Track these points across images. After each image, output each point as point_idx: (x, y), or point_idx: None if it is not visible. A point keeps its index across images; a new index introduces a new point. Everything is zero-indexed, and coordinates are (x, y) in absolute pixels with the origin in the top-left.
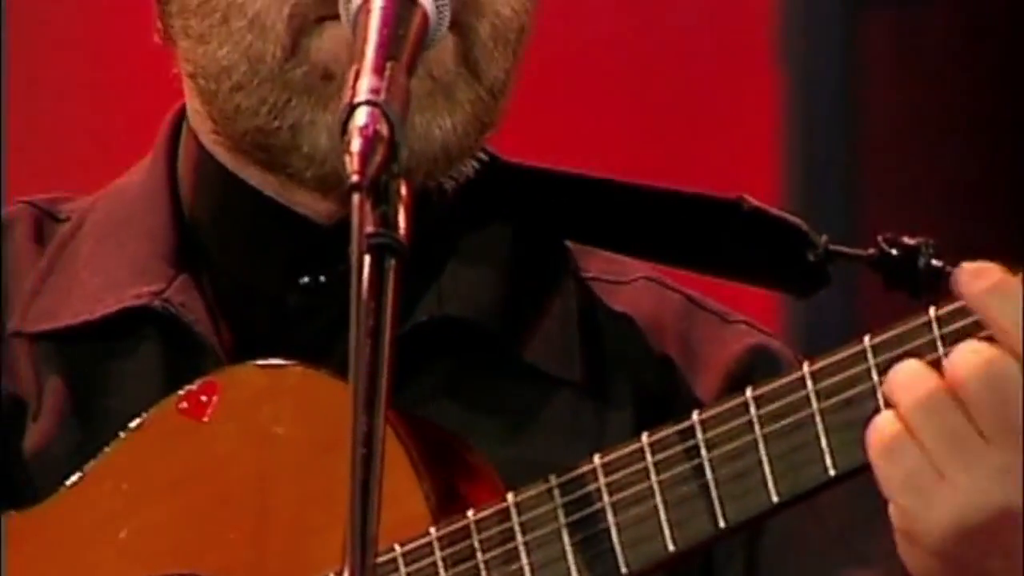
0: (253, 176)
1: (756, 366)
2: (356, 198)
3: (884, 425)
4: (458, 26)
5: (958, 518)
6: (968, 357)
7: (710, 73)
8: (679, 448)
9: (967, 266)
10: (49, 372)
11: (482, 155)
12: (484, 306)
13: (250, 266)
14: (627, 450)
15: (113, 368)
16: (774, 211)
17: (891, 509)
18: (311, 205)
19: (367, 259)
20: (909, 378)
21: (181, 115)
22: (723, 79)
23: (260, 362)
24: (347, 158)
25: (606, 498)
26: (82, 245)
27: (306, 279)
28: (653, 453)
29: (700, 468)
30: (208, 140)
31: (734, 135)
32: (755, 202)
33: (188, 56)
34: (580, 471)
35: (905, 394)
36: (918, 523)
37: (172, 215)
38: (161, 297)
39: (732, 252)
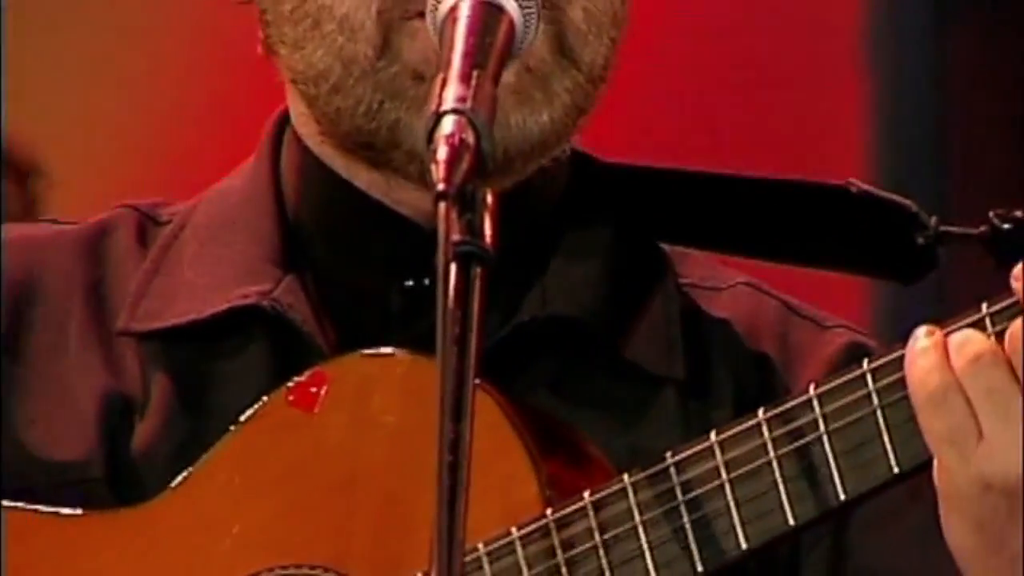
0: (360, 177)
1: (853, 363)
2: (442, 207)
3: (929, 372)
4: (549, 13)
5: (988, 476)
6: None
7: (799, 80)
8: (793, 425)
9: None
10: (156, 370)
11: (581, 157)
12: (587, 305)
13: (355, 267)
14: (743, 427)
15: (220, 367)
16: (884, 193)
17: (934, 464)
18: (416, 206)
19: (453, 267)
20: (966, 338)
21: (283, 120)
22: (812, 86)
23: (368, 351)
24: (433, 167)
25: (723, 475)
26: (185, 247)
27: (410, 282)
28: (770, 429)
29: (815, 444)
30: (315, 143)
31: (823, 141)
32: (863, 185)
33: (288, 63)
34: (696, 449)
35: (959, 351)
36: (953, 481)
37: (277, 217)
38: (269, 297)
39: (838, 240)
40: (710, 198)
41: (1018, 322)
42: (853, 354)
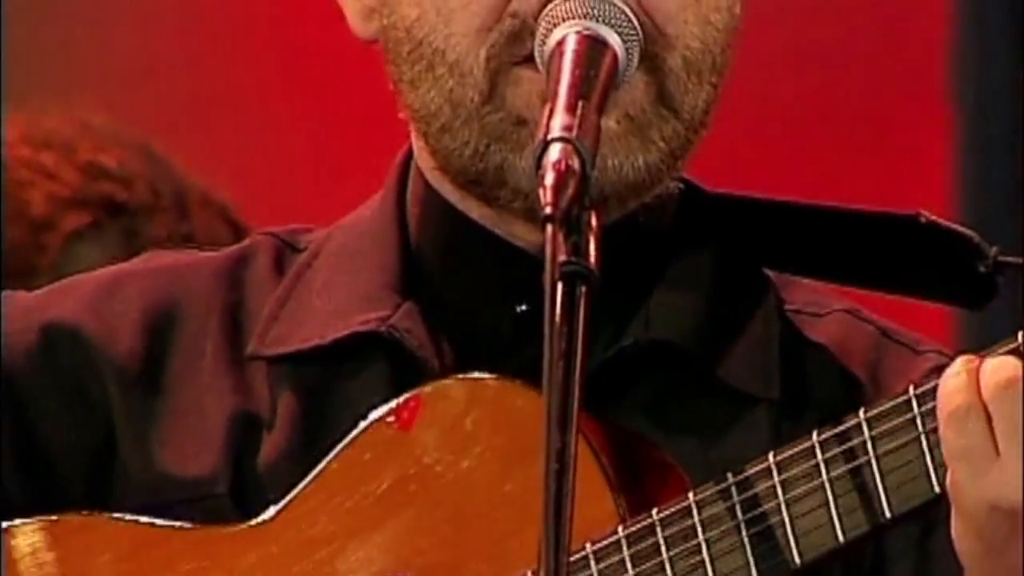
0: (474, 210)
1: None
2: (549, 229)
3: (956, 392)
4: (648, 61)
5: (997, 497)
6: None
7: (885, 112)
8: (844, 447)
9: None
10: (283, 392)
11: (684, 186)
12: (688, 330)
13: (469, 294)
14: (798, 449)
15: (342, 389)
16: (947, 223)
17: (948, 475)
18: (526, 236)
19: (559, 286)
20: (1000, 363)
21: (409, 156)
22: (898, 118)
23: (460, 376)
24: (540, 191)
25: (780, 493)
26: (317, 274)
27: (522, 307)
28: (823, 450)
29: (864, 465)
30: (432, 176)
31: (909, 172)
32: (930, 216)
33: (406, 100)
34: (755, 469)
35: (991, 375)
36: (964, 493)
37: (399, 247)
38: (387, 323)
39: (908, 267)
40: (797, 227)
41: None
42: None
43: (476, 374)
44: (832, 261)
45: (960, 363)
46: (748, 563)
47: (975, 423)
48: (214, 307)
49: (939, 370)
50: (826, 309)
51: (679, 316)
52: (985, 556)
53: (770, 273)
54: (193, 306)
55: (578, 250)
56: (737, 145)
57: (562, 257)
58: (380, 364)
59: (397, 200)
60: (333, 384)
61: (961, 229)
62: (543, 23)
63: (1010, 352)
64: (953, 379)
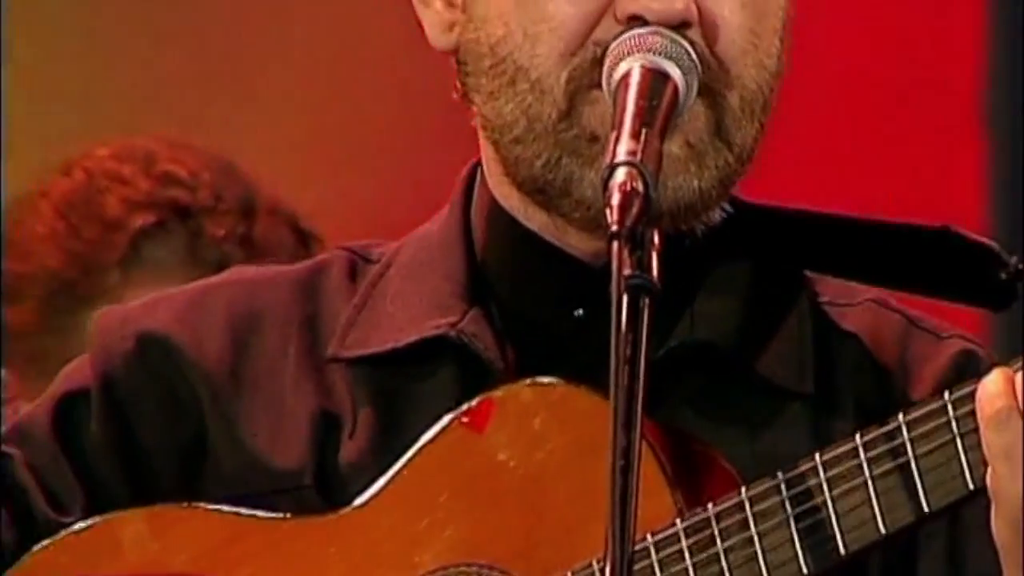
0: (534, 221)
1: (961, 372)
2: (615, 245)
3: (997, 396)
4: (711, 97)
5: None
6: None
7: (919, 137)
8: (886, 447)
9: None
10: (361, 392)
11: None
12: (729, 331)
13: (530, 300)
14: (843, 449)
15: (415, 389)
16: (973, 235)
17: (988, 473)
18: (582, 247)
19: (624, 298)
20: (999, 389)
21: (473, 172)
22: (931, 143)
23: (528, 381)
24: (607, 211)
25: (826, 490)
26: (390, 284)
27: (580, 311)
28: (866, 451)
29: (906, 464)
30: (498, 188)
31: (941, 196)
32: (958, 229)
33: (480, 110)
34: (803, 468)
35: (994, 400)
36: (1003, 489)
37: (465, 257)
38: (456, 328)
39: (938, 273)
40: (835, 234)
41: None
42: (962, 361)
43: (543, 379)
44: (866, 266)
45: (998, 371)
46: (797, 555)
47: (1013, 424)
48: (294, 315)
49: (962, 354)
50: (856, 299)
51: (720, 319)
52: (1018, 547)
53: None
54: (274, 314)
55: (641, 264)
56: (775, 169)
57: (627, 271)
58: (449, 366)
59: (463, 214)
60: (406, 384)
61: (985, 240)
62: (610, 56)
63: None
64: (992, 385)
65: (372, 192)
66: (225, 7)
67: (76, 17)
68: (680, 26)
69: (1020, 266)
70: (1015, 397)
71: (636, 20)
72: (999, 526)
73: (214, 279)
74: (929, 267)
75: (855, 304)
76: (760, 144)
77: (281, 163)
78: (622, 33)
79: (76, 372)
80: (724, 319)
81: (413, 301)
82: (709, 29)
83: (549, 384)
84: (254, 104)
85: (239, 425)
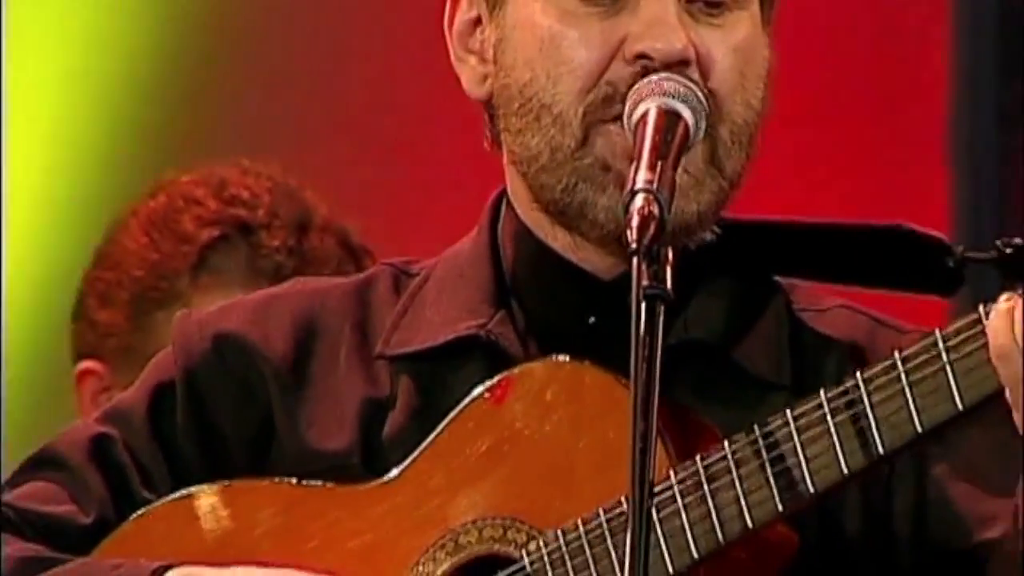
0: (557, 240)
1: None
2: (635, 261)
3: (998, 337)
4: (705, 130)
5: None
6: None
7: (887, 161)
8: (846, 399)
9: None
10: (402, 383)
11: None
12: (717, 331)
13: (550, 308)
14: (809, 404)
15: (449, 380)
16: (923, 229)
17: (1008, 395)
18: (597, 263)
19: (643, 305)
20: (1011, 306)
21: (498, 201)
22: (898, 171)
23: (541, 359)
24: (628, 231)
25: (796, 439)
26: (428, 293)
27: (592, 319)
28: (828, 404)
29: (862, 413)
30: (524, 212)
31: (909, 220)
32: (909, 225)
33: (510, 147)
34: (776, 422)
35: (1006, 317)
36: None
37: (493, 270)
38: (485, 328)
39: (894, 266)
40: (803, 239)
41: None
42: None
43: (554, 356)
44: (830, 267)
45: (1004, 302)
46: (773, 495)
47: (1016, 355)
48: (346, 319)
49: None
50: (827, 306)
51: (710, 321)
52: None
53: (780, 280)
54: (330, 319)
55: (657, 277)
56: (748, 193)
57: (645, 282)
58: (478, 361)
59: (490, 234)
60: (441, 376)
61: (933, 232)
62: (631, 98)
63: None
64: (996, 321)
65: (418, 215)
66: (295, 41)
67: (160, 55)
68: (679, 64)
69: (966, 254)
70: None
71: (642, 58)
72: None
73: (279, 288)
74: (886, 261)
75: (825, 310)
76: (747, 172)
77: (347, 188)
78: (636, 74)
79: (164, 367)
80: (713, 321)
81: (448, 307)
82: (704, 68)
83: (559, 361)
84: (329, 136)
85: (299, 413)
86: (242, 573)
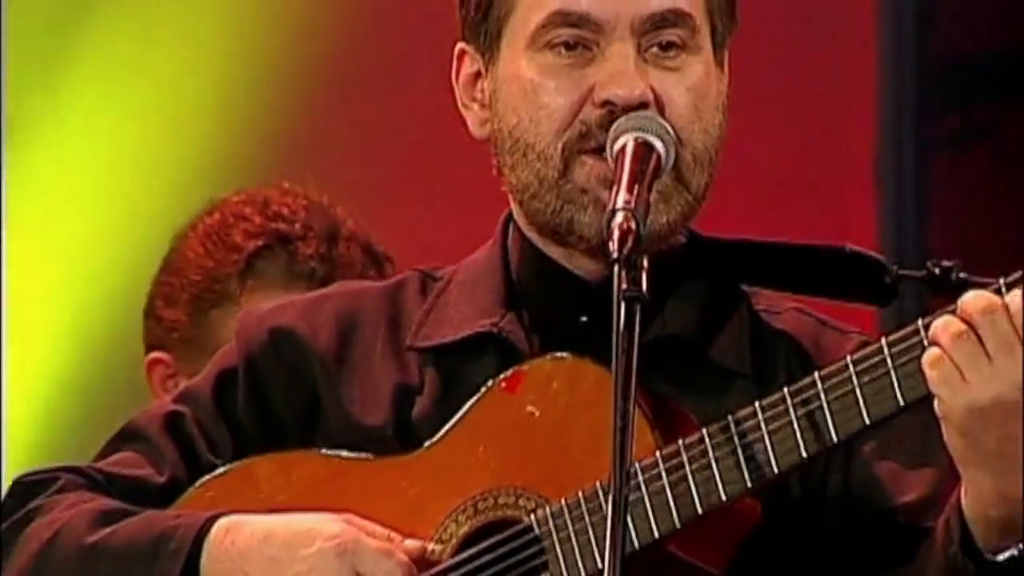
0: (553, 252)
1: None
2: (616, 268)
3: (931, 350)
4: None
5: (972, 403)
6: (976, 301)
7: (818, 186)
8: (806, 395)
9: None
10: (428, 371)
11: (691, 233)
12: (690, 328)
13: (549, 308)
14: (775, 397)
15: (465, 369)
16: (864, 251)
17: (935, 402)
18: (586, 269)
19: (623, 306)
20: (947, 322)
21: (507, 219)
22: (828, 195)
23: (549, 355)
24: (610, 243)
25: (763, 426)
26: (450, 295)
27: (584, 317)
28: (791, 398)
29: (818, 407)
30: (527, 230)
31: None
32: (853, 247)
33: (507, 179)
34: (746, 411)
35: (943, 331)
36: (949, 408)
37: (504, 277)
38: (497, 326)
39: (838, 280)
40: (763, 254)
41: (970, 298)
42: (860, 348)
43: (559, 353)
44: (787, 278)
45: (939, 323)
46: (743, 473)
47: (946, 363)
48: (381, 316)
49: (860, 344)
50: (781, 308)
51: (683, 319)
52: (968, 448)
53: (745, 287)
54: (367, 315)
55: (635, 282)
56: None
57: (624, 287)
58: (492, 354)
59: (501, 247)
60: (460, 366)
61: (873, 254)
62: (613, 132)
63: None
64: (933, 334)
65: (434, 226)
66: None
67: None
68: (639, 106)
69: (900, 272)
70: (944, 347)
71: (608, 104)
72: (953, 440)
73: (326, 289)
74: (833, 275)
75: (781, 312)
76: (710, 190)
77: (370, 205)
78: (604, 115)
79: (227, 356)
80: (687, 320)
81: (466, 308)
82: (661, 107)
83: (563, 357)
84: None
85: (342, 395)
86: (279, 519)
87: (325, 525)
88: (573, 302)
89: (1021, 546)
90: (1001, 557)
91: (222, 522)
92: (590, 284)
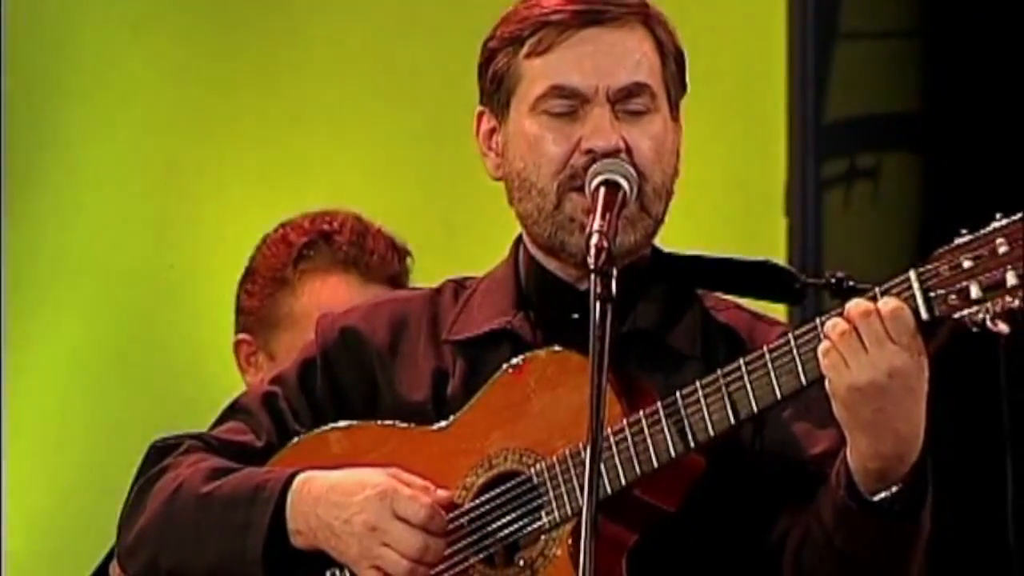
0: (551, 265)
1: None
2: (592, 277)
3: (824, 343)
4: (638, 185)
5: (852, 384)
6: (857, 306)
7: (733, 217)
8: (734, 375)
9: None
10: (458, 360)
11: (656, 249)
12: (654, 322)
13: (549, 309)
14: (711, 377)
15: (486, 358)
16: (780, 264)
17: (826, 382)
18: (575, 279)
19: (598, 306)
20: (835, 322)
21: (519, 238)
22: (743, 228)
23: (545, 349)
24: (589, 259)
25: (702, 399)
26: (475, 299)
27: (576, 315)
28: (724, 377)
29: (743, 386)
30: (532, 247)
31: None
32: (774, 260)
33: (515, 209)
34: (691, 388)
35: (832, 329)
36: (835, 387)
37: (515, 285)
38: (510, 324)
39: (762, 285)
40: (714, 267)
41: (854, 303)
42: (783, 336)
43: (555, 347)
44: (728, 283)
45: (829, 324)
46: (687, 433)
47: (833, 352)
48: (423, 316)
49: (783, 333)
50: (725, 306)
51: (649, 315)
52: (850, 418)
53: (697, 291)
54: (413, 315)
55: (608, 288)
56: None
57: (600, 291)
58: (507, 346)
59: (513, 261)
60: (483, 355)
61: (786, 266)
62: (590, 174)
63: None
64: (832, 322)
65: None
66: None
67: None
68: (615, 152)
69: (807, 280)
70: (833, 341)
71: (591, 151)
72: (839, 411)
73: (383, 296)
74: (760, 282)
75: (724, 309)
76: (667, 215)
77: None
78: (588, 160)
79: (308, 348)
80: (652, 316)
81: (487, 309)
82: (630, 152)
83: (556, 350)
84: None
85: (393, 379)
86: (340, 474)
87: (372, 477)
88: (567, 304)
89: (893, 489)
90: (877, 498)
91: (301, 476)
92: (579, 290)
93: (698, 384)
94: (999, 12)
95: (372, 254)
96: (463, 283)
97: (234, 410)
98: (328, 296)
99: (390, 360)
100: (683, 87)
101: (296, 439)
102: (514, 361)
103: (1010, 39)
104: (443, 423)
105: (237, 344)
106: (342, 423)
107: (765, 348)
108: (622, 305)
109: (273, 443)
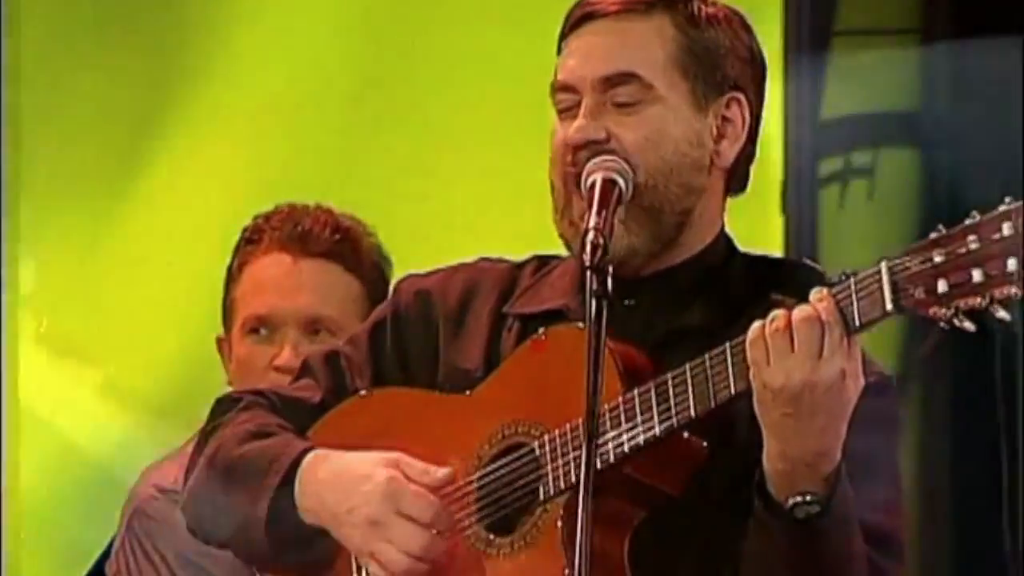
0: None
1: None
2: (588, 274)
3: (754, 330)
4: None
5: (767, 382)
6: (803, 309)
7: (743, 219)
8: (701, 369)
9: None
10: (512, 333)
11: (727, 247)
12: (709, 321)
13: (576, 300)
14: (681, 369)
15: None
16: (808, 262)
17: (751, 379)
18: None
19: (594, 301)
20: (776, 316)
21: None
22: (742, 218)
23: (564, 324)
24: (584, 255)
25: (689, 379)
26: (548, 278)
27: (629, 302)
28: (690, 371)
29: (706, 377)
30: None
31: None
32: (809, 261)
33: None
34: (673, 374)
35: (771, 323)
36: (754, 380)
37: (581, 270)
38: (567, 306)
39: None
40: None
41: (794, 309)
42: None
43: (577, 324)
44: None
45: (754, 327)
46: (671, 413)
47: (761, 354)
48: (496, 288)
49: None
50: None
51: (706, 314)
52: (761, 415)
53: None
54: (485, 286)
55: (603, 283)
56: None
57: (595, 287)
58: (558, 324)
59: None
60: (535, 330)
61: (814, 264)
62: (585, 172)
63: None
64: (754, 331)
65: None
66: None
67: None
68: (584, 145)
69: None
70: (766, 334)
71: (567, 144)
72: (760, 411)
73: (460, 265)
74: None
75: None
76: (680, 204)
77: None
78: (574, 155)
79: (382, 310)
80: (707, 315)
81: (556, 288)
82: (616, 142)
83: (579, 327)
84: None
85: (453, 344)
86: (351, 459)
87: (377, 469)
88: (621, 290)
89: (808, 497)
90: (790, 503)
91: (314, 453)
92: (639, 276)
93: (687, 367)
94: (995, 9)
95: (300, 228)
96: (547, 260)
97: (304, 365)
98: (259, 274)
99: (454, 327)
100: (714, 79)
101: (350, 398)
102: (538, 335)
103: (1006, 36)
104: (468, 392)
105: (217, 341)
106: (390, 387)
107: (727, 344)
108: (679, 300)
109: (328, 400)
